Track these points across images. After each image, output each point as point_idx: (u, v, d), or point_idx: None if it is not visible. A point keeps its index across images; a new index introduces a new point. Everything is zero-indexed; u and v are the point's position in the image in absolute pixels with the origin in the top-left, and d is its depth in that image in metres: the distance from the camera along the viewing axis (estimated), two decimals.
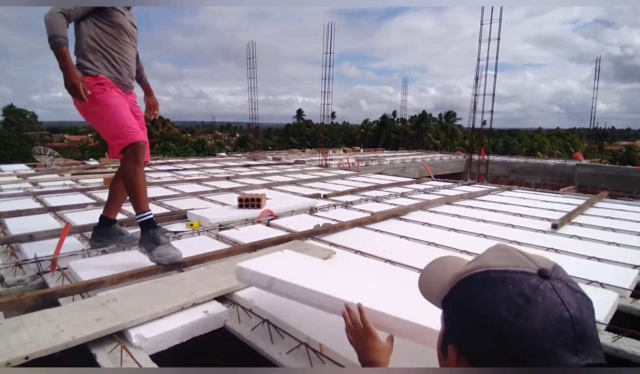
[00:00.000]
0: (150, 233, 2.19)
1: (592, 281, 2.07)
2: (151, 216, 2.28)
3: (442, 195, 4.93)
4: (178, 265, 2.18)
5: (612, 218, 3.68)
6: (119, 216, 3.46)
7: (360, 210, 3.95)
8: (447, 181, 6.33)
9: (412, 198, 4.74)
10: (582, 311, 0.50)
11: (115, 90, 2.30)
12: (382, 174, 7.53)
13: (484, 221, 3.53)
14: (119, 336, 1.50)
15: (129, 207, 3.81)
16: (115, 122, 2.23)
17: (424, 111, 39.83)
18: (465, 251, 2.58)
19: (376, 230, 3.15)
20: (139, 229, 2.71)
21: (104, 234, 2.48)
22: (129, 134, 2.23)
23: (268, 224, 3.35)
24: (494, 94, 10.39)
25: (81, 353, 1.47)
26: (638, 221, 3.56)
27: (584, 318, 0.50)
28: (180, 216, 3.49)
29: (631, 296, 1.99)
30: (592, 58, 14.19)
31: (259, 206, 3.66)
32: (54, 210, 3.72)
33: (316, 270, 1.79)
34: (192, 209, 3.63)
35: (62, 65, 2.10)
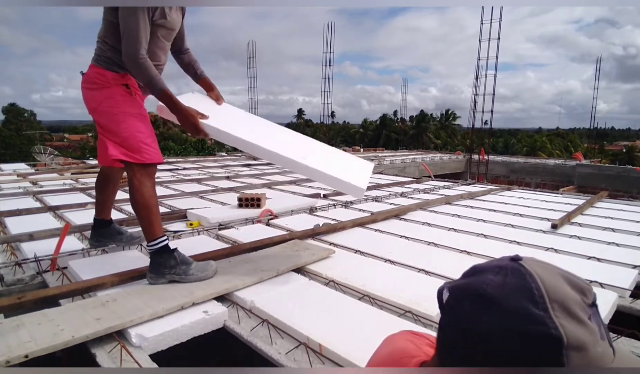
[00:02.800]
0: (176, 255, 1.97)
1: (591, 281, 2.07)
2: (168, 240, 2.04)
3: (442, 195, 4.93)
4: None
5: (611, 218, 3.68)
6: (119, 216, 3.47)
7: (360, 210, 3.95)
8: (447, 181, 6.33)
9: (412, 198, 4.74)
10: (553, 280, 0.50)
11: (139, 96, 2.09)
12: (382, 173, 7.53)
13: (484, 220, 3.53)
14: (119, 336, 1.51)
15: (129, 207, 3.81)
16: (133, 134, 1.97)
17: (421, 111, 39.83)
18: (465, 250, 2.58)
19: (376, 230, 3.15)
20: (137, 229, 2.71)
21: (103, 235, 2.47)
22: (146, 152, 1.98)
23: (268, 224, 3.35)
24: (494, 94, 10.41)
25: (81, 353, 1.47)
26: (638, 221, 3.56)
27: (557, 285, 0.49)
28: (180, 215, 3.49)
29: (631, 296, 1.99)
30: (595, 58, 14.17)
31: (258, 206, 3.66)
32: (53, 209, 3.72)
33: (215, 108, 2.23)
34: (192, 208, 3.63)
35: (174, 108, 1.94)
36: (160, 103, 1.99)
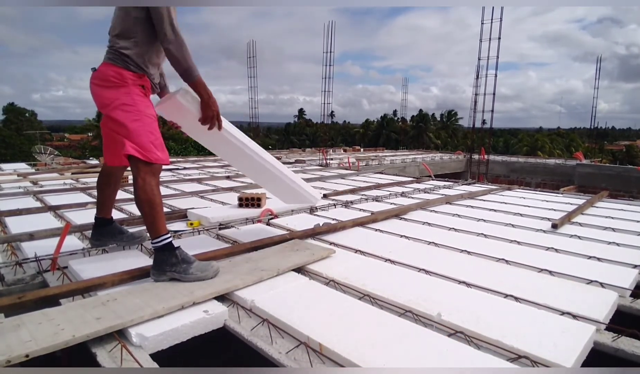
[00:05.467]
0: (178, 254, 1.97)
1: (592, 281, 2.07)
2: (172, 237, 2.07)
3: (443, 194, 4.93)
4: None
5: (612, 218, 3.67)
6: (120, 216, 3.47)
7: (361, 209, 3.95)
8: (448, 181, 6.33)
9: (412, 198, 4.73)
10: None
11: (149, 99, 2.15)
12: (382, 173, 7.53)
13: (484, 220, 3.53)
14: (119, 335, 1.51)
15: (129, 207, 3.82)
16: (146, 133, 2.01)
17: (420, 110, 39.90)
18: (465, 250, 2.58)
19: (376, 229, 3.15)
20: (138, 228, 2.71)
21: (103, 234, 2.48)
22: (155, 153, 2.03)
23: (268, 224, 3.35)
24: (494, 94, 10.41)
25: (81, 352, 1.47)
26: (638, 221, 3.56)
27: None
28: (181, 215, 3.49)
29: (631, 295, 1.99)
30: (597, 57, 14.14)
31: (259, 205, 3.66)
32: (54, 209, 3.72)
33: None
34: (193, 208, 3.63)
35: (206, 95, 2.12)
36: (178, 95, 2.12)
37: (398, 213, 3.68)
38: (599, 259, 2.45)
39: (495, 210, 4.01)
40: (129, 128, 2.00)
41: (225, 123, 2.31)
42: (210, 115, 2.17)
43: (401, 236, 2.96)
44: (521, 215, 3.76)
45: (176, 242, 2.12)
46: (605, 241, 2.89)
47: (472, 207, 4.16)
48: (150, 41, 2.08)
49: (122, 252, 2.50)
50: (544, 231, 3.17)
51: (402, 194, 4.92)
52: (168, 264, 1.95)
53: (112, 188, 2.47)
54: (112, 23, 2.08)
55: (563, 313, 1.72)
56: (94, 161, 9.26)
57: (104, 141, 2.34)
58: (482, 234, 3.04)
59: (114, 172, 2.42)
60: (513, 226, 3.34)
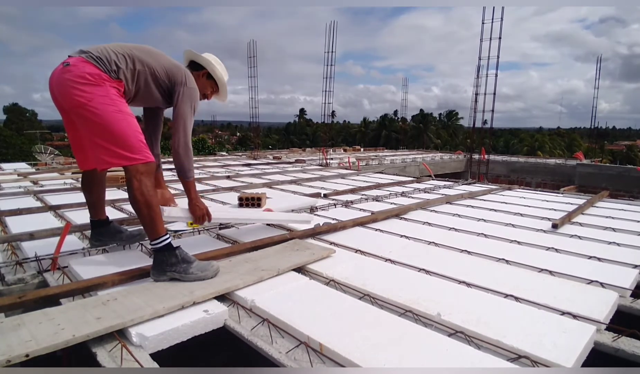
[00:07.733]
0: (178, 254, 1.96)
1: (592, 281, 2.07)
2: (171, 237, 2.06)
3: (443, 194, 4.93)
4: None
5: (612, 218, 3.67)
6: (120, 216, 3.47)
7: (361, 209, 3.95)
8: (448, 181, 6.33)
9: (412, 197, 4.73)
10: None
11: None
12: (382, 173, 7.53)
13: (485, 220, 3.53)
14: (120, 335, 1.51)
15: (129, 207, 3.81)
16: (134, 133, 1.98)
17: (421, 110, 40.00)
18: (465, 250, 2.58)
19: (376, 229, 3.15)
20: (138, 227, 2.71)
21: (102, 234, 2.48)
22: (146, 151, 2.00)
23: (268, 223, 3.35)
24: (494, 94, 10.41)
25: (82, 352, 1.47)
26: (638, 221, 3.55)
27: None
28: None
29: (631, 295, 1.99)
30: (599, 56, 14.16)
31: (259, 205, 3.65)
32: (54, 209, 3.72)
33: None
34: None
35: (194, 195, 2.37)
36: (164, 214, 2.27)
37: (398, 213, 3.68)
38: (599, 259, 2.45)
39: (495, 210, 4.01)
40: (115, 129, 1.92)
41: (215, 213, 2.55)
42: (199, 214, 2.41)
43: (401, 236, 2.96)
44: (521, 215, 3.76)
45: (176, 242, 2.12)
46: (605, 241, 2.89)
47: (472, 207, 4.16)
48: (145, 97, 2.19)
49: (122, 252, 2.50)
50: (544, 231, 3.16)
51: (402, 194, 4.92)
52: (168, 264, 1.95)
53: (100, 189, 2.45)
54: (124, 65, 2.05)
55: (563, 313, 1.72)
56: None
57: (73, 147, 2.30)
58: (483, 234, 3.04)
59: (96, 173, 2.38)
60: (513, 225, 3.34)
